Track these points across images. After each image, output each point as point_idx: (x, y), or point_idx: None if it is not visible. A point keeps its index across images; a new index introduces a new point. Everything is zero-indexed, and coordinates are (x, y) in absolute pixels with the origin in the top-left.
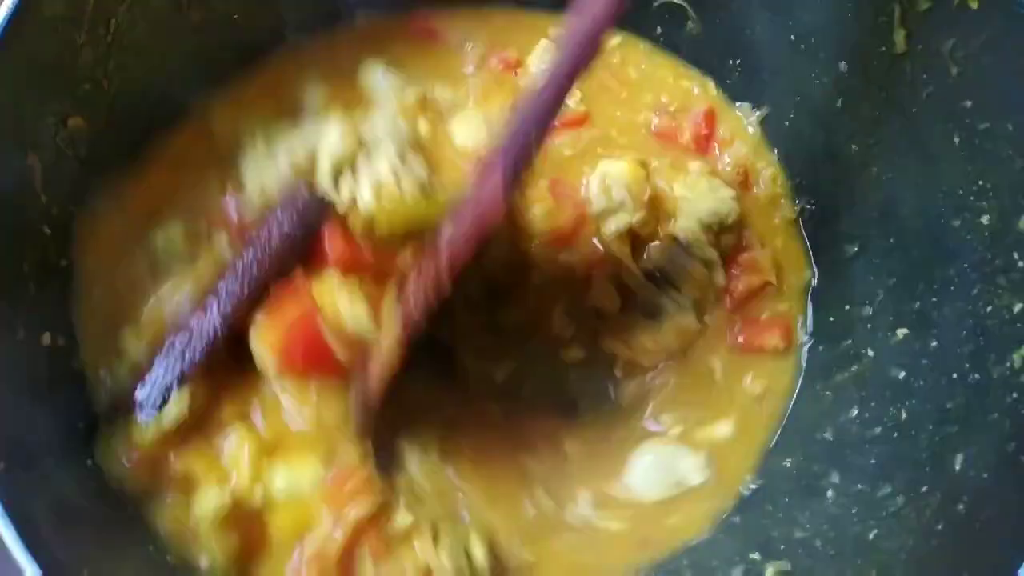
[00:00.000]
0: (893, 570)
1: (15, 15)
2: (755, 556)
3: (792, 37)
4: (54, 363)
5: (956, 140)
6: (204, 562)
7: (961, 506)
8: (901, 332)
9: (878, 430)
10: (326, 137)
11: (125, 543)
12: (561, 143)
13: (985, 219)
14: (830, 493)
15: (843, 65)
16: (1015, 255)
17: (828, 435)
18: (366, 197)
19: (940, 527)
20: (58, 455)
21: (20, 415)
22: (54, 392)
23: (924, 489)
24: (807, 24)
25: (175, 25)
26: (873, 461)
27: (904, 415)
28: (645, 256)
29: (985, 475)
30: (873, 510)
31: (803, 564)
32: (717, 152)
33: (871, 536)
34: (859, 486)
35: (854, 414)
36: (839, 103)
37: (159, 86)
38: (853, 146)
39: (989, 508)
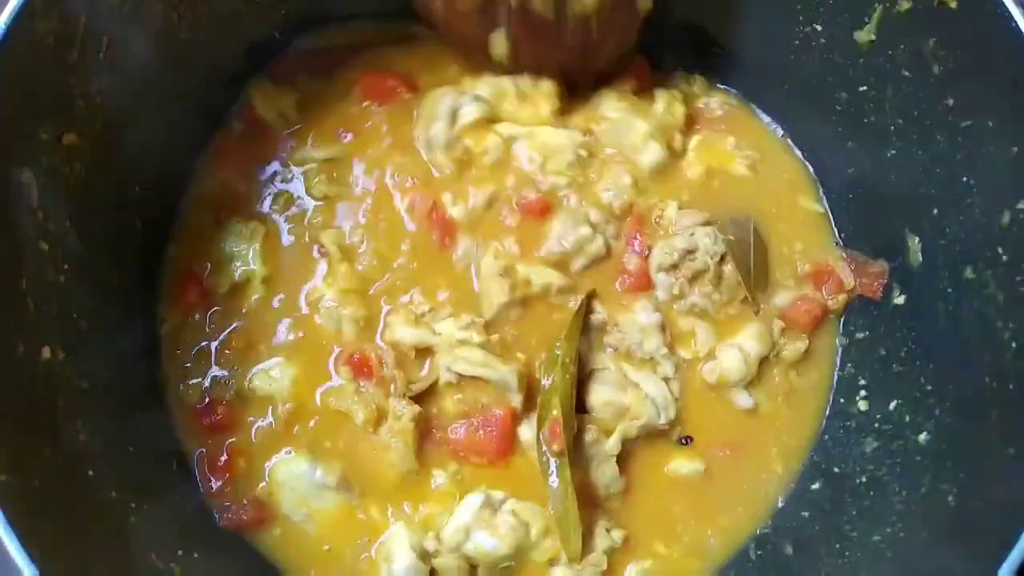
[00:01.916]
0: (882, 564)
1: (8, 33)
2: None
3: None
4: (53, 377)
5: (939, 138)
6: None
7: (951, 498)
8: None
9: (875, 424)
10: None
11: (132, 554)
12: None
13: (970, 215)
14: (816, 485)
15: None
16: (999, 250)
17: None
18: None
19: (931, 520)
20: (60, 462)
21: (22, 428)
22: (53, 405)
23: (924, 490)
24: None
25: (166, 42)
26: (867, 451)
27: (894, 405)
28: None
29: (973, 470)
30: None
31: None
32: None
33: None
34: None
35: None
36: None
37: (152, 101)
38: (849, 144)
39: (976, 501)
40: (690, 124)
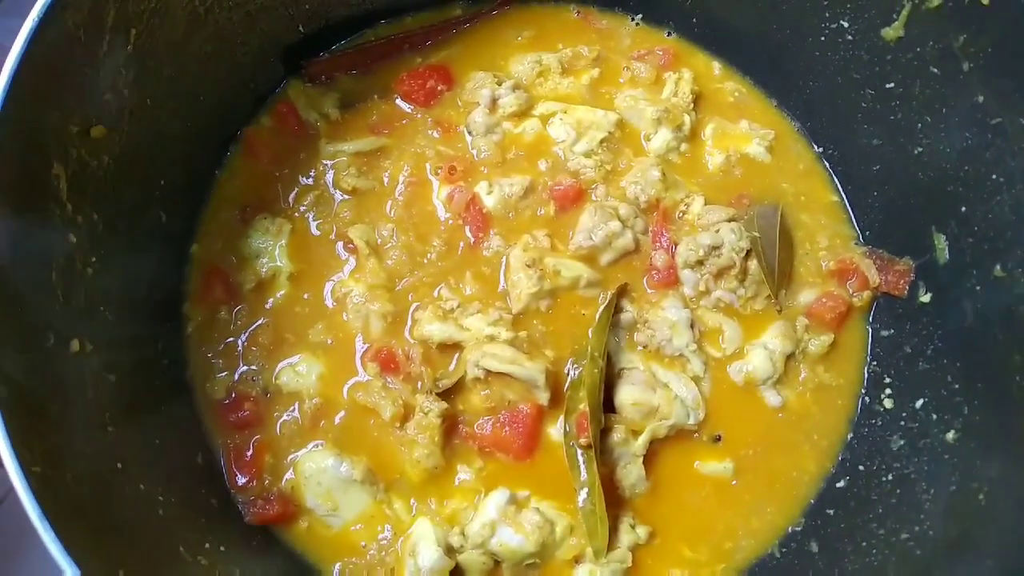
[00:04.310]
0: (909, 563)
1: (39, 26)
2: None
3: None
4: (82, 367)
5: (967, 135)
6: None
7: (981, 496)
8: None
9: (901, 421)
10: None
11: (161, 546)
12: None
13: (999, 213)
14: (841, 483)
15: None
16: None
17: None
18: None
19: (961, 519)
20: (90, 455)
21: (54, 419)
22: (83, 397)
23: (953, 488)
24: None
25: (193, 35)
26: (894, 449)
27: (920, 403)
28: None
29: (1003, 468)
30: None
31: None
32: None
33: (884, 531)
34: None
35: (886, 406)
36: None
37: (179, 95)
38: (875, 141)
39: (1007, 500)
40: (701, 107)
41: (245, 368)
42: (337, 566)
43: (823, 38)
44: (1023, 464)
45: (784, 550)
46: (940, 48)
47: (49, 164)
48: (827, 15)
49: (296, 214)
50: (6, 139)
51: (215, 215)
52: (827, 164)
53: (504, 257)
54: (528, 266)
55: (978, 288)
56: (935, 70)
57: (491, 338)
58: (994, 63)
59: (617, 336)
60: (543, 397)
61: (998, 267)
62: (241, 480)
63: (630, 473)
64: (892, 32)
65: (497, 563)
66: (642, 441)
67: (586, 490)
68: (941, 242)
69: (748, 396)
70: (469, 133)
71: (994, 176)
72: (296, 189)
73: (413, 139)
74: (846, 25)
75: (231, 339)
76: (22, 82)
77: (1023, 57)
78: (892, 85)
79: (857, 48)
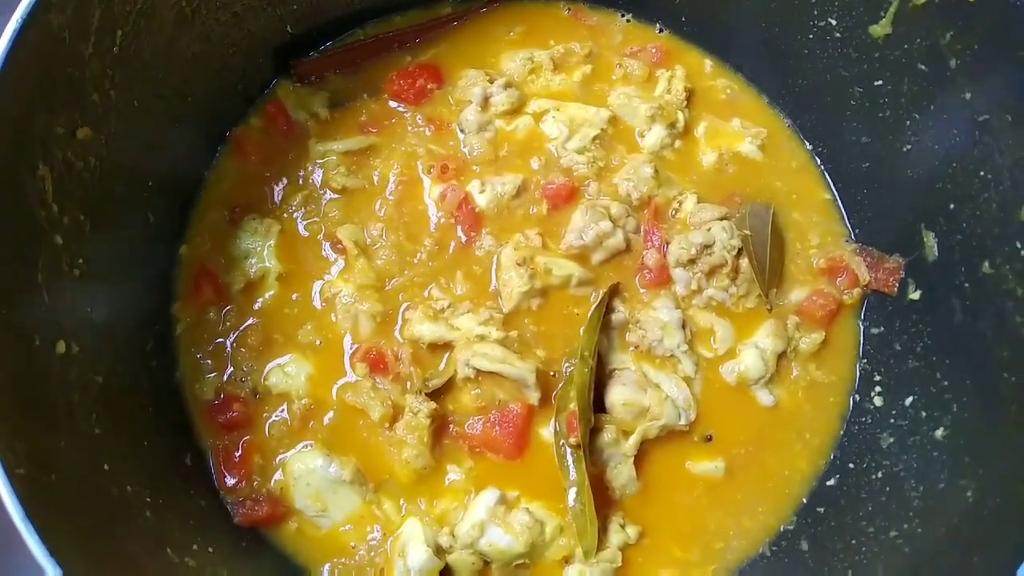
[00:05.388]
0: (899, 560)
1: (24, 26)
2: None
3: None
4: (68, 369)
5: (955, 132)
6: None
7: (969, 494)
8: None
9: (891, 419)
10: None
11: (148, 548)
12: None
13: (987, 210)
14: (831, 481)
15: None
16: (1017, 244)
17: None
18: None
19: (949, 517)
20: (76, 456)
21: (39, 421)
22: (69, 399)
23: (942, 485)
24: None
25: (180, 36)
26: (883, 447)
27: (910, 401)
28: None
29: (991, 466)
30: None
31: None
32: None
33: (873, 529)
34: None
35: (876, 404)
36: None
37: (166, 96)
38: (864, 139)
39: (995, 497)
40: (694, 104)
41: (234, 369)
42: (326, 567)
43: (811, 36)
44: (1011, 461)
45: (775, 549)
46: (927, 45)
47: (35, 165)
48: (815, 12)
49: (285, 214)
50: None
51: (204, 216)
52: (818, 161)
53: (495, 256)
54: (519, 265)
55: (966, 285)
56: (922, 67)
57: (482, 337)
58: (981, 60)
59: (609, 336)
60: (533, 396)
61: (986, 264)
62: (230, 481)
63: (621, 473)
64: (879, 29)
65: (487, 563)
66: (633, 441)
67: (575, 490)
68: (930, 239)
69: (740, 395)
70: (461, 131)
71: (982, 173)
72: (285, 189)
73: (403, 138)
74: (834, 23)
75: (220, 340)
76: (6, 83)
77: (1009, 54)
78: (880, 82)
79: (845, 45)
